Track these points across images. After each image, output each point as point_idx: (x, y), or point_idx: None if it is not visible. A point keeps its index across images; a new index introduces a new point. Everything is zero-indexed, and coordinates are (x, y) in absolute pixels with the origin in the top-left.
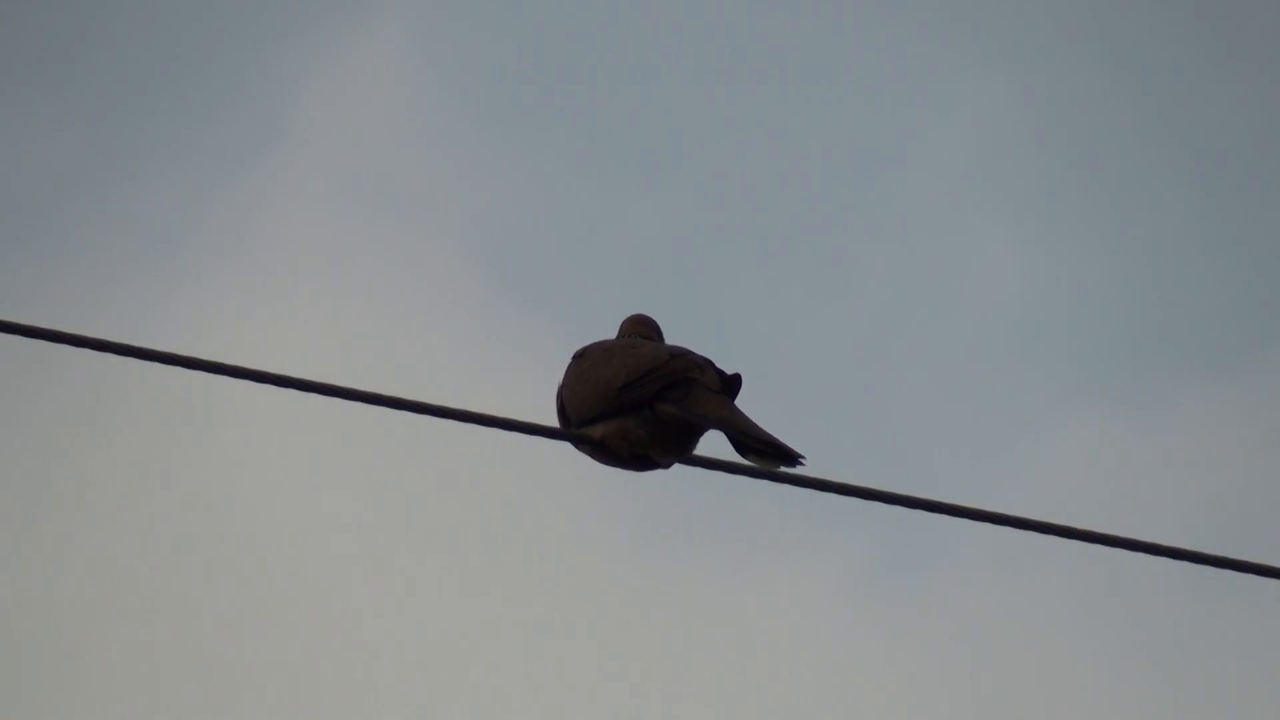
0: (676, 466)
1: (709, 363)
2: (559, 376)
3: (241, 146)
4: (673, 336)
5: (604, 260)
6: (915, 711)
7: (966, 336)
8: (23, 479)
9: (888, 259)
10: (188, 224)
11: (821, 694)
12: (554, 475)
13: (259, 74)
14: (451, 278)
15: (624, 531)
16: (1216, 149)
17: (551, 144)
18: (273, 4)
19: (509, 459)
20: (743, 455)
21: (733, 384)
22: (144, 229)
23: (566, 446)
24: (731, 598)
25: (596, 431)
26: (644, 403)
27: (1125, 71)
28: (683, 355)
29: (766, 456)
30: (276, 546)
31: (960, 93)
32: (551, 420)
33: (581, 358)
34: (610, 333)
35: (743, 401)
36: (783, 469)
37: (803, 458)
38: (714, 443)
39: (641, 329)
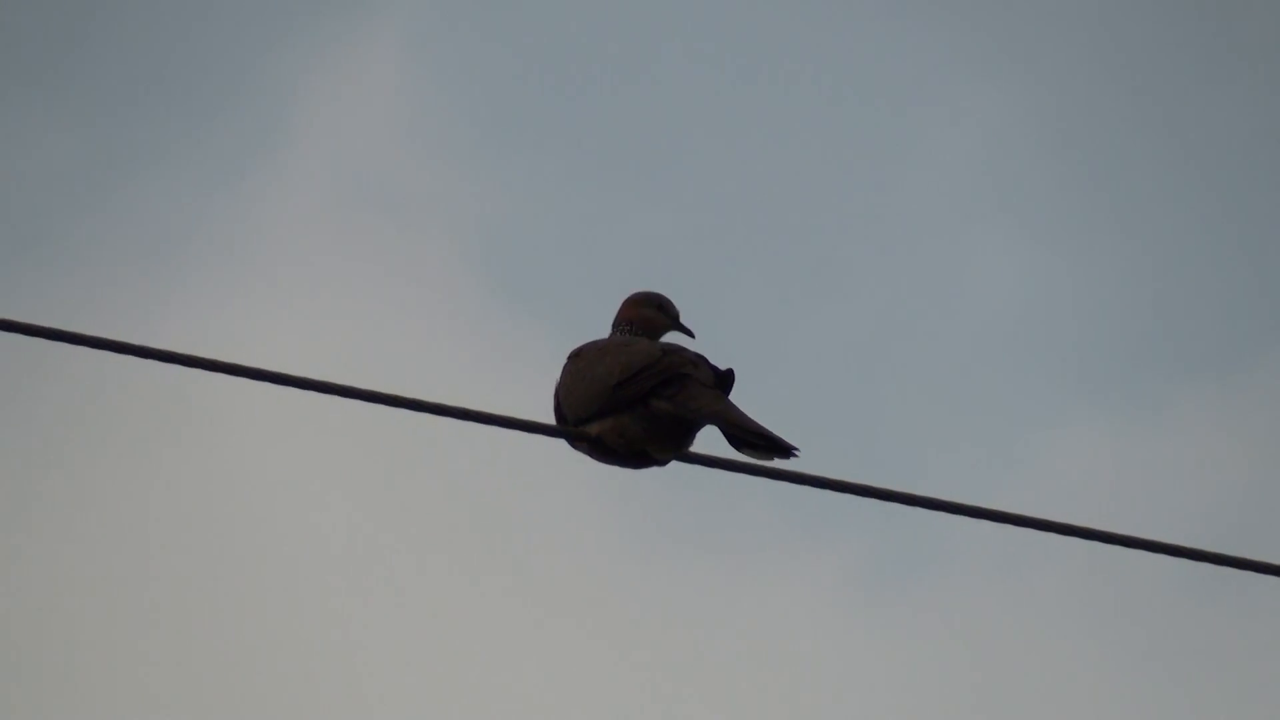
0: (674, 464)
1: (702, 359)
2: (556, 377)
3: (241, 149)
4: (673, 336)
5: (603, 262)
6: (915, 708)
7: (968, 339)
8: (23, 474)
9: (890, 262)
10: (188, 226)
11: (821, 691)
12: (551, 475)
13: (259, 77)
14: (449, 279)
15: (622, 530)
16: (1216, 155)
17: (550, 145)
18: (271, 7)
19: (506, 458)
20: (736, 449)
21: (726, 379)
22: (143, 231)
23: (563, 445)
24: (730, 596)
25: (593, 429)
26: (638, 400)
27: (1126, 78)
28: (676, 352)
29: (759, 449)
30: (275, 543)
31: (963, 98)
32: (548, 420)
33: (576, 357)
34: (610, 328)
35: (745, 401)
36: (777, 461)
37: (795, 449)
38: (712, 441)
39: (639, 311)
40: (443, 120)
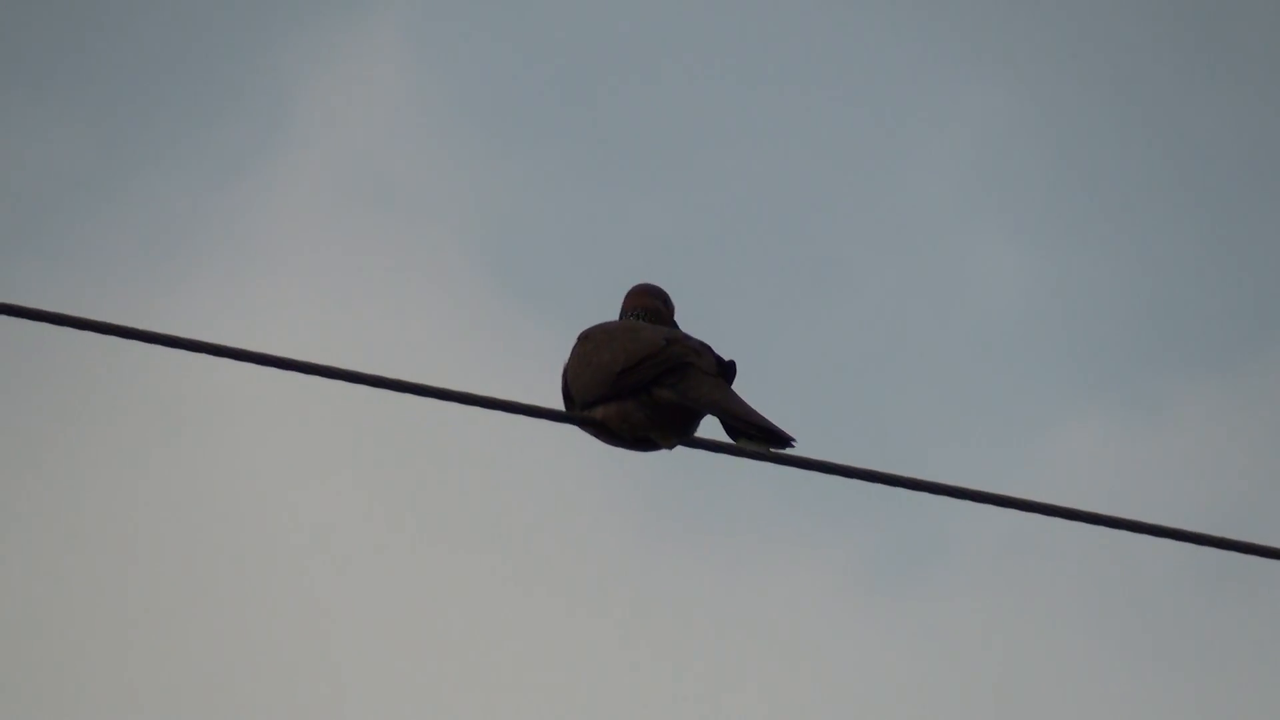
0: (679, 449)
1: (706, 347)
2: (559, 367)
3: (242, 145)
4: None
5: (604, 255)
6: (920, 694)
7: (969, 333)
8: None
9: (890, 258)
10: (191, 218)
11: (827, 678)
12: (554, 461)
13: (261, 71)
14: (451, 270)
15: (625, 517)
16: (1213, 154)
17: (552, 138)
18: (271, 3)
19: (509, 444)
20: (734, 439)
21: (728, 370)
22: (148, 223)
23: (566, 432)
24: (734, 583)
25: (598, 413)
26: (642, 387)
27: (1122, 77)
28: (680, 341)
29: (757, 440)
30: (277, 525)
31: (960, 99)
32: (551, 405)
33: (585, 340)
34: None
35: (749, 393)
36: (774, 451)
37: (793, 439)
38: (717, 427)
39: (646, 300)
40: (445, 113)
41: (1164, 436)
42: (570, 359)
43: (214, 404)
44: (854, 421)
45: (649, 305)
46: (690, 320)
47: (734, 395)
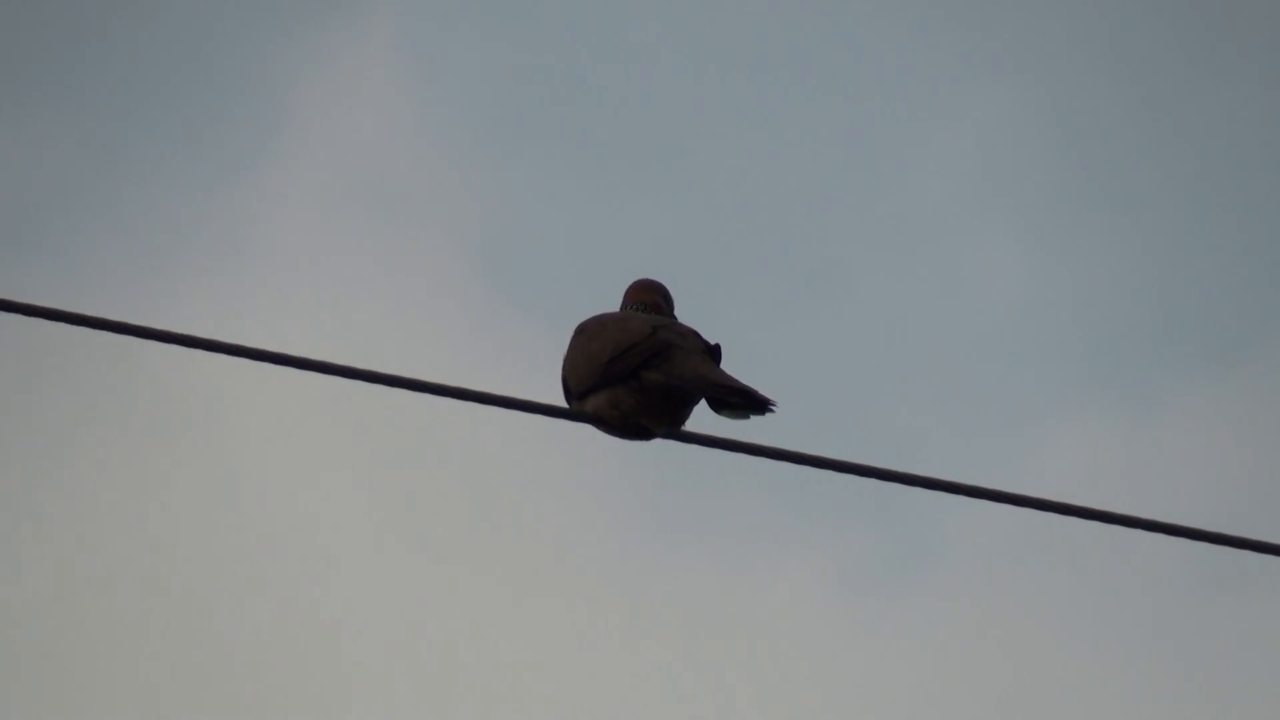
0: (673, 444)
1: (694, 333)
2: (556, 364)
3: (239, 147)
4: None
5: (602, 256)
6: (915, 691)
7: (967, 335)
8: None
9: (890, 258)
10: (187, 219)
11: (819, 675)
12: (549, 456)
13: (255, 75)
14: (447, 271)
15: (620, 512)
16: (1213, 153)
17: (549, 139)
18: (267, 6)
19: (506, 440)
20: (717, 412)
21: (714, 351)
22: (143, 226)
23: (561, 427)
24: (728, 579)
25: (589, 405)
26: (630, 373)
27: (1124, 76)
28: (667, 327)
29: (737, 408)
30: (273, 516)
31: (964, 98)
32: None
33: (580, 332)
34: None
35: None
36: (773, 440)
37: (773, 403)
38: (710, 423)
39: (645, 296)
40: (440, 112)
41: (1162, 433)
42: (568, 350)
43: (211, 401)
44: (852, 418)
45: (648, 301)
46: (690, 318)
47: (714, 367)
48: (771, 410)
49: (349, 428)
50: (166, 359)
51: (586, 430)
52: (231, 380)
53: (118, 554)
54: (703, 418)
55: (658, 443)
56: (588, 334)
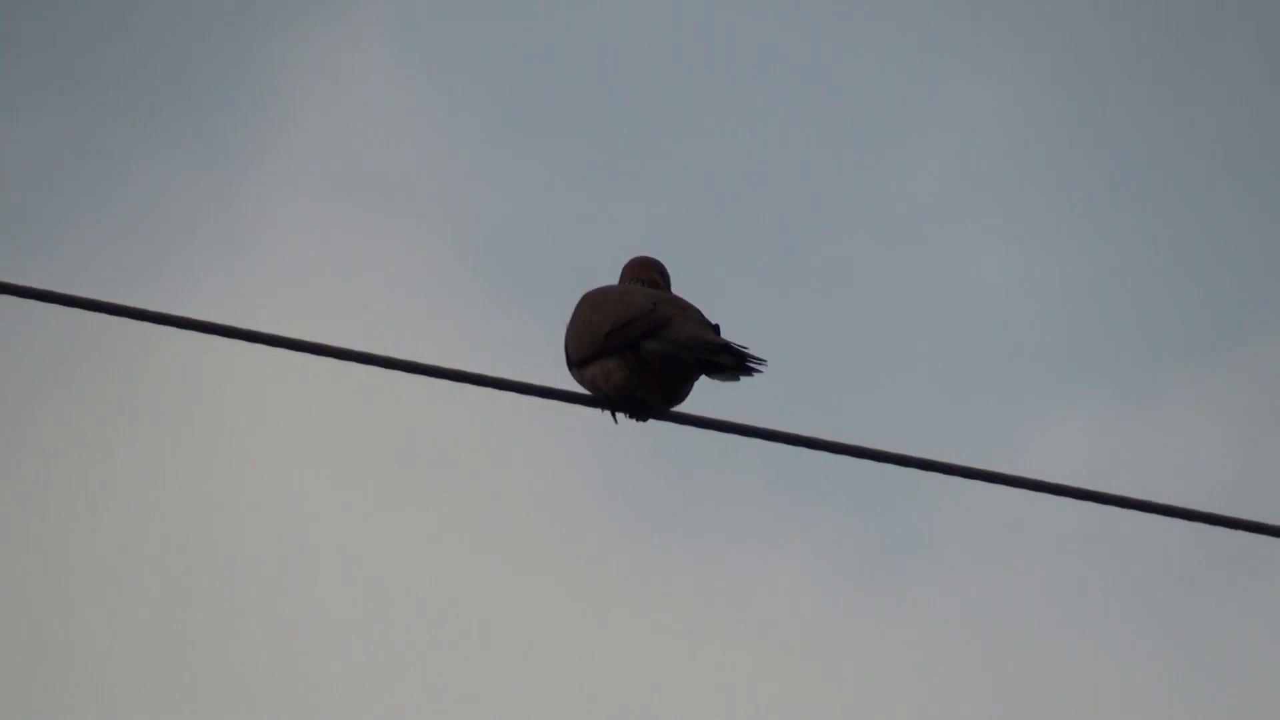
0: (668, 426)
1: (693, 308)
2: (552, 352)
3: (233, 133)
4: None
5: (596, 242)
6: (911, 676)
7: (962, 324)
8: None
9: (888, 246)
10: (180, 207)
11: (817, 660)
12: (542, 439)
13: (250, 61)
14: (441, 258)
15: (615, 496)
16: (1208, 144)
17: (543, 127)
18: None
19: (501, 423)
20: (709, 375)
21: (714, 329)
22: (137, 211)
23: (554, 412)
24: (723, 564)
25: (588, 372)
26: (629, 345)
27: (1119, 67)
28: (667, 301)
29: (728, 370)
30: (272, 501)
31: (958, 88)
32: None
33: (584, 302)
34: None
35: (748, 386)
36: (746, 374)
37: (762, 361)
38: (708, 402)
39: (643, 272)
40: (434, 98)
41: (1156, 422)
42: (571, 319)
43: (212, 384)
44: (849, 401)
45: (646, 277)
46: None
47: (709, 331)
48: (760, 369)
49: (347, 411)
50: (167, 342)
51: (583, 413)
52: (228, 364)
53: (116, 535)
54: (701, 400)
55: (653, 425)
56: (590, 304)
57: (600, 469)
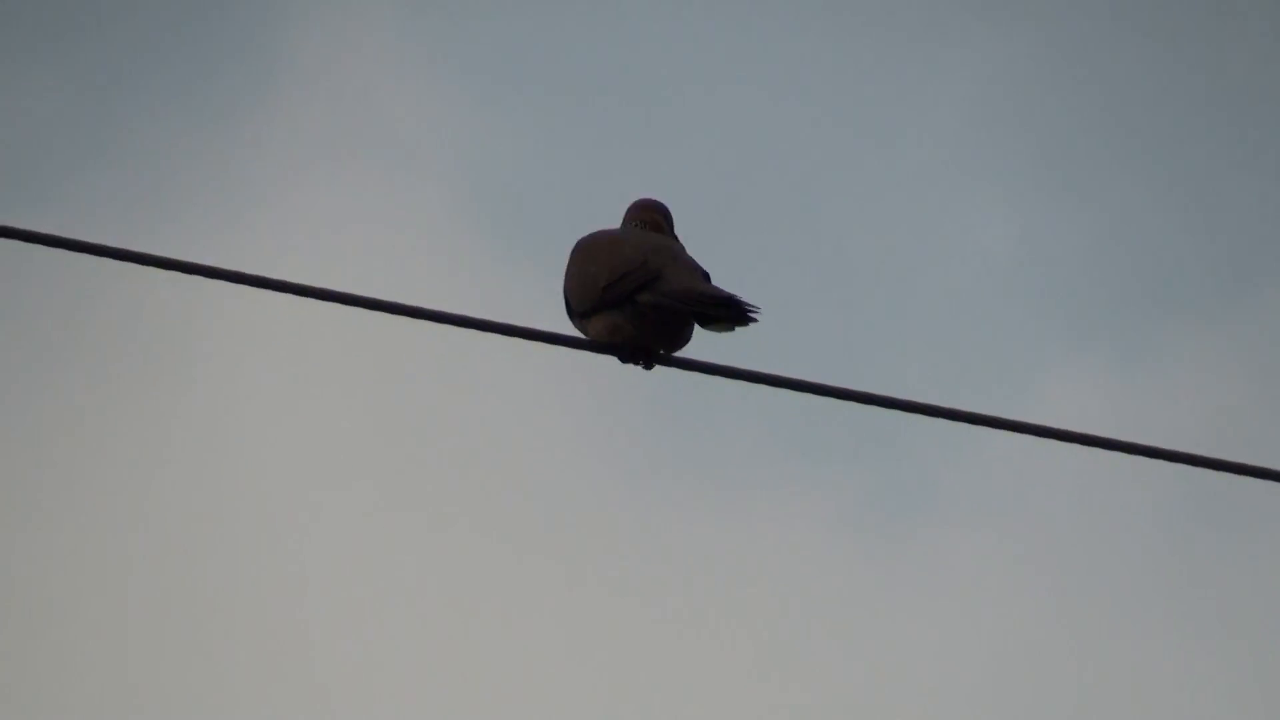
0: (673, 371)
1: (692, 261)
2: (551, 299)
3: (235, 85)
4: None
5: (594, 202)
6: (921, 632)
7: (960, 283)
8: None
9: (893, 202)
10: (182, 160)
11: (823, 615)
12: (541, 388)
13: (251, 15)
14: (442, 209)
15: (617, 447)
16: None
17: (543, 78)
18: None
19: (500, 371)
20: (704, 326)
21: (707, 277)
22: (139, 165)
23: (552, 359)
24: (728, 516)
25: (591, 329)
26: (626, 297)
27: (1116, 29)
28: (660, 250)
29: (723, 320)
30: (259, 443)
31: (966, 37)
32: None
33: (577, 250)
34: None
35: (749, 333)
36: (739, 324)
37: (756, 308)
38: (710, 350)
39: (646, 214)
40: (436, 49)
41: (1153, 380)
42: (567, 269)
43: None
44: (852, 346)
45: (649, 219)
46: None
47: (702, 281)
48: (754, 319)
49: (346, 356)
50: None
51: (583, 357)
52: (232, 310)
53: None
54: (702, 347)
55: (658, 371)
56: (584, 254)
57: (603, 416)
